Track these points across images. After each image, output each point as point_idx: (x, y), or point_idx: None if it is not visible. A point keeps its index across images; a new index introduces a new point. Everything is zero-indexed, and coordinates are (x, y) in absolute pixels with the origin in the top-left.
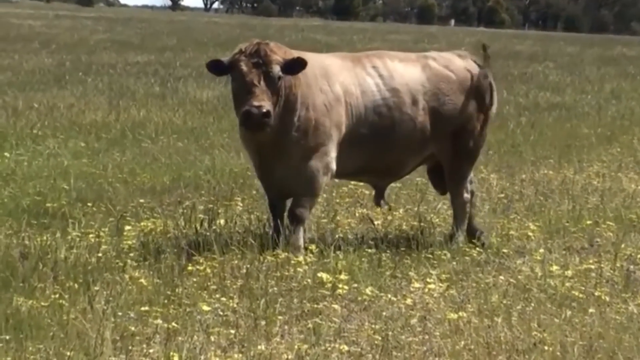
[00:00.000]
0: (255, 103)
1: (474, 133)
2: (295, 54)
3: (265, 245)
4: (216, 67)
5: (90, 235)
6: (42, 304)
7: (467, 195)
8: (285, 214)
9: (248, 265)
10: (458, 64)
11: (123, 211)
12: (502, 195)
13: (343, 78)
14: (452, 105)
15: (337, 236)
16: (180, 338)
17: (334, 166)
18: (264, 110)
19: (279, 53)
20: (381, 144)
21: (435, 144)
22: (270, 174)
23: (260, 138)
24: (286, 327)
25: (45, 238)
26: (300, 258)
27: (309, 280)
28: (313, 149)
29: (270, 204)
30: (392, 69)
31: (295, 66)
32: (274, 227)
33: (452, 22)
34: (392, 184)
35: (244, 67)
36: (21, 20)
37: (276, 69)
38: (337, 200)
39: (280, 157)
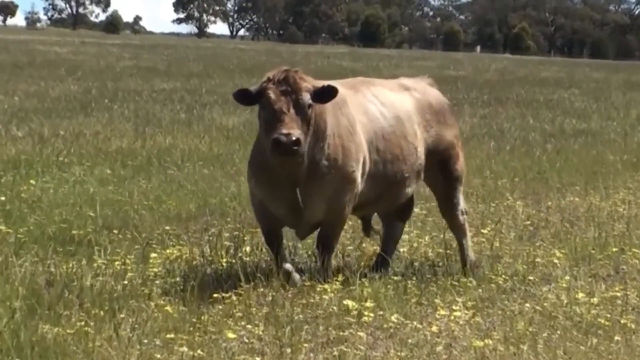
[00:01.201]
0: (285, 131)
1: (458, 158)
2: (321, 83)
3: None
4: (244, 97)
5: (116, 263)
6: (68, 331)
7: (464, 217)
8: (313, 243)
9: (274, 293)
10: (433, 93)
11: (149, 238)
12: (528, 222)
13: (351, 105)
14: (437, 135)
15: (362, 263)
16: None
17: (357, 192)
18: (294, 137)
19: (309, 80)
20: (389, 174)
21: (427, 173)
22: (296, 203)
23: (291, 167)
24: (312, 354)
25: (71, 265)
26: (326, 286)
27: (334, 307)
28: (344, 177)
29: (268, 235)
30: (389, 98)
31: (325, 94)
32: (280, 257)
33: (478, 48)
34: (417, 211)
35: (273, 95)
36: (47, 47)
37: (306, 97)
38: None
39: (311, 187)
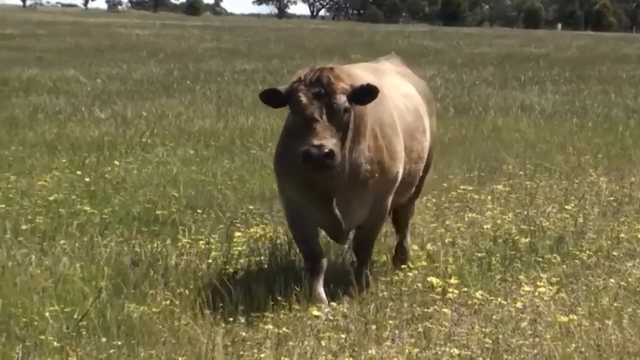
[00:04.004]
0: (316, 142)
1: (435, 149)
2: (358, 79)
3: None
4: (272, 98)
5: (200, 242)
6: (154, 310)
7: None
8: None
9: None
10: (418, 79)
11: (233, 218)
12: (612, 198)
13: (388, 98)
14: (433, 125)
15: (446, 240)
16: (291, 343)
17: None
18: (326, 150)
19: (345, 79)
20: (412, 173)
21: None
22: (339, 211)
23: (325, 178)
24: (396, 331)
25: (155, 245)
26: (410, 263)
27: (419, 284)
28: (389, 181)
29: (305, 246)
30: (403, 87)
31: (366, 94)
32: (316, 276)
33: (559, 26)
34: (500, 188)
35: (304, 99)
36: (129, 30)
37: (341, 100)
38: (447, 205)
39: (351, 194)
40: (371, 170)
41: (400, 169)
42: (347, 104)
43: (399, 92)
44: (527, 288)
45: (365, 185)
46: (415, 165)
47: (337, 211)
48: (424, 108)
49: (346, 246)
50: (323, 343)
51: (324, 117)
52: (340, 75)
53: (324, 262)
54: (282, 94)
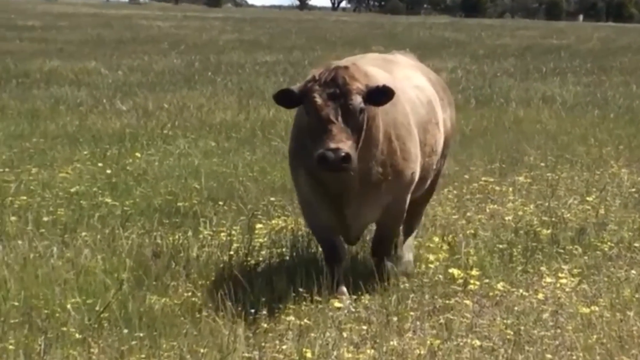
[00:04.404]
0: (332, 145)
1: (450, 141)
2: (374, 79)
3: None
4: (285, 98)
5: (222, 234)
6: (175, 301)
7: None
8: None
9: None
10: (432, 72)
11: (254, 209)
12: (633, 189)
13: (401, 95)
14: (450, 117)
15: (468, 232)
16: (312, 334)
17: None
18: (343, 153)
19: (361, 79)
20: (427, 168)
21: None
22: (349, 214)
23: (339, 181)
24: (418, 322)
25: (177, 237)
26: (432, 255)
27: (440, 276)
28: (404, 183)
29: (326, 244)
30: (416, 79)
31: (381, 96)
32: (338, 275)
33: (581, 17)
34: (522, 180)
35: (319, 100)
36: (150, 22)
37: (357, 100)
38: (468, 197)
39: (363, 197)
40: (384, 173)
41: (416, 169)
42: (362, 105)
43: (412, 84)
44: (548, 279)
45: (377, 187)
46: (429, 159)
47: (347, 212)
48: (437, 100)
49: (368, 238)
50: (344, 334)
51: (340, 118)
52: (355, 75)
53: (344, 253)
54: (296, 94)
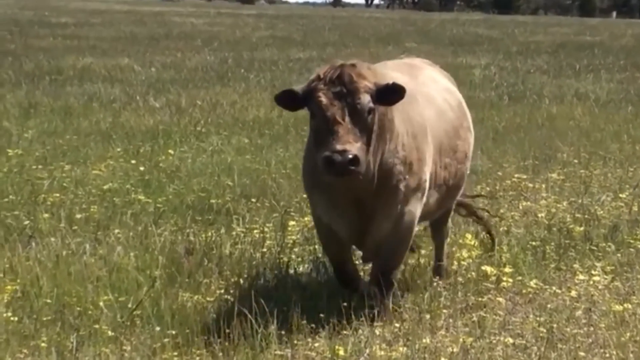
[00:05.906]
0: (339, 147)
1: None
2: (385, 77)
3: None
4: (288, 100)
5: (255, 231)
6: (208, 299)
7: None
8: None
9: (412, 261)
10: (447, 74)
11: (287, 207)
12: None
13: (420, 99)
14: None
15: (501, 229)
16: (345, 332)
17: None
18: (350, 156)
19: (369, 77)
20: (458, 175)
21: None
22: (358, 222)
23: (349, 184)
24: (451, 320)
25: (210, 234)
26: (465, 252)
27: (473, 273)
28: (418, 186)
29: (341, 269)
30: (443, 82)
31: (391, 94)
32: (355, 282)
33: (614, 14)
34: (554, 177)
35: (324, 99)
36: (183, 19)
37: (365, 99)
38: (501, 194)
39: (380, 200)
40: (403, 172)
41: (427, 177)
42: (371, 104)
43: (440, 87)
44: (581, 277)
45: (395, 191)
46: (462, 165)
47: (364, 223)
48: (465, 103)
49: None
50: (377, 332)
51: (347, 118)
52: (363, 73)
53: (358, 281)
54: (300, 95)
